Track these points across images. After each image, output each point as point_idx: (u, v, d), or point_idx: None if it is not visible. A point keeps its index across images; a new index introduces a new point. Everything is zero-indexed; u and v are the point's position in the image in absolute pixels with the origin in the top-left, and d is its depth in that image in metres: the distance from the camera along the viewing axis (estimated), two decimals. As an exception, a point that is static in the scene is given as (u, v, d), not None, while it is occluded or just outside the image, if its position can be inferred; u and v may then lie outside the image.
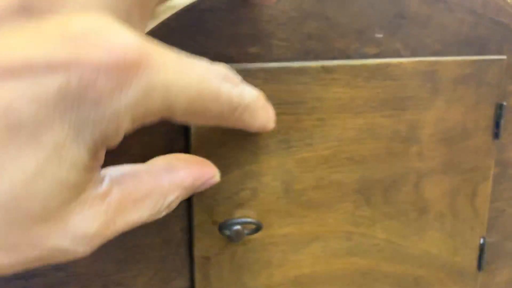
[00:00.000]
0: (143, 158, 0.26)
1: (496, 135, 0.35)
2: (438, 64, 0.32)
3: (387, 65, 0.30)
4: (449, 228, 0.35)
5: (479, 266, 0.37)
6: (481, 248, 0.37)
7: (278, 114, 0.28)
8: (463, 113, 0.33)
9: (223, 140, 0.27)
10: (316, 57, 0.29)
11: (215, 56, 0.27)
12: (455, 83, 0.32)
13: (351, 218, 0.32)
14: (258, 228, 0.29)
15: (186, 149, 0.27)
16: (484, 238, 0.37)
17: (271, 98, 0.28)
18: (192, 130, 0.27)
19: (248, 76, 0.27)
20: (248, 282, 0.30)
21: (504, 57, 0.34)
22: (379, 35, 0.30)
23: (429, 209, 0.34)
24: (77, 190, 0.18)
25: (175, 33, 0.25)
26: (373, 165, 0.31)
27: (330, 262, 0.32)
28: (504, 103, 0.34)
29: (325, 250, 0.32)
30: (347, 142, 0.30)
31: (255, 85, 0.27)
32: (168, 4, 0.26)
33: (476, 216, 0.36)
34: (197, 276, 0.29)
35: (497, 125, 0.35)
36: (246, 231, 0.29)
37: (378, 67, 0.30)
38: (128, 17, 0.19)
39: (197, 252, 0.28)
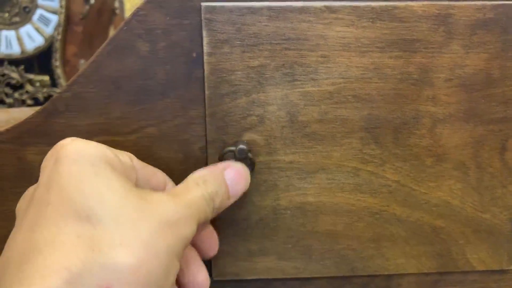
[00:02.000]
0: (167, 82, 0.33)
1: (528, 85, 0.33)
2: (452, 8, 0.32)
3: (394, 7, 0.32)
4: (474, 181, 0.34)
5: (518, 231, 0.35)
6: (517, 209, 0.35)
7: (282, 49, 0.32)
8: (486, 60, 0.33)
9: (233, 69, 0.32)
10: (322, -1, 0.32)
11: (228, -3, 0.32)
12: (473, 28, 0.32)
13: (359, 154, 0.34)
14: (252, 163, 0.33)
15: (202, 76, 0.32)
16: (519, 198, 0.35)
17: (276, 34, 0.32)
18: (206, 59, 0.32)
19: (253, 13, 0.31)
20: (256, 201, 0.34)
21: (537, 3, 0.32)
22: (388, -20, 0.32)
23: (448, 157, 0.34)
24: None
25: (192, -24, 0.31)
26: (380, 105, 0.33)
27: (337, 195, 0.34)
28: (537, 51, 0.33)
29: (331, 182, 0.34)
30: (352, 79, 0.33)
31: (260, 21, 0.32)
32: None
33: (508, 173, 0.34)
34: (211, 189, 0.34)
35: (529, 74, 0.33)
36: (250, 153, 0.33)
37: (383, 9, 0.32)
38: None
39: (210, 167, 0.33)
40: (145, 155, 0.33)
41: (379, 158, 0.34)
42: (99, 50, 0.32)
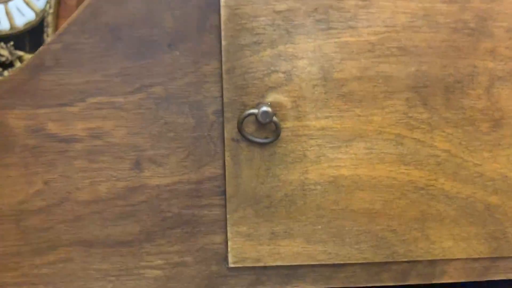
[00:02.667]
0: (175, 31, 0.27)
1: None
2: None
3: None
4: (537, 151, 0.29)
5: None
6: None
7: (315, -10, 0.27)
8: (557, 5, 0.28)
9: (255, 14, 0.27)
10: None
11: None
12: (544, -34, 0.27)
13: (404, 119, 0.28)
14: (277, 130, 0.27)
15: (219, 24, 0.27)
16: None
17: (308, -28, 0.26)
18: (223, 1, 0.27)
19: None
20: (281, 175, 0.29)
21: None
22: None
23: (507, 122, 0.29)
24: None
25: None
26: (431, 59, 0.28)
27: (376, 168, 0.29)
28: None
29: (370, 152, 0.29)
30: (398, 28, 0.27)
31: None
32: None
33: None
34: (227, 160, 0.28)
35: None
36: (275, 117, 0.28)
37: None
38: None
39: (227, 134, 0.28)
40: (149, 120, 0.28)
41: (427, 123, 0.29)
42: (94, -9, 0.27)
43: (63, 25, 0.27)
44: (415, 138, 0.29)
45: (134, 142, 0.28)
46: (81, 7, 0.27)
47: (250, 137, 0.28)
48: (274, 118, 0.27)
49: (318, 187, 0.29)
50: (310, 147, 0.28)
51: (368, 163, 0.29)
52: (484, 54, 0.28)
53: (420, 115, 0.28)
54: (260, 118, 0.27)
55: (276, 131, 0.28)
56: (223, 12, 0.27)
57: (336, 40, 0.27)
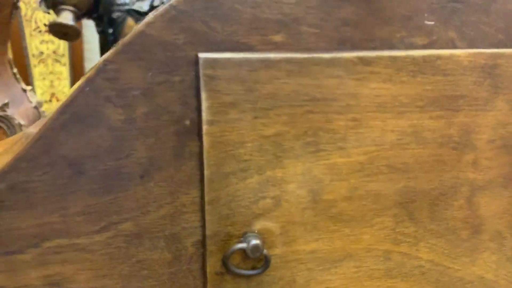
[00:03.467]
0: (149, 161, 0.23)
1: None
2: (500, 57, 0.27)
3: (438, 57, 0.26)
4: (509, 251, 0.30)
5: (545, 296, 0.32)
6: (548, 276, 0.32)
7: (305, 113, 0.24)
8: (530, 116, 0.28)
9: (242, 140, 0.24)
10: (353, 47, 0.25)
11: (235, 45, 0.23)
12: (521, 80, 0.27)
13: (391, 234, 0.27)
14: (267, 262, 0.25)
15: (200, 151, 0.24)
16: (552, 264, 0.31)
17: (297, 93, 0.24)
18: (205, 129, 0.23)
19: (270, 67, 0.23)
20: (268, 303, 0.26)
21: None
22: (430, 22, 0.26)
23: (485, 228, 0.29)
24: None
25: (183, 17, 0.22)
26: (417, 174, 0.27)
27: (365, 285, 0.28)
28: None
29: (359, 270, 0.27)
30: (387, 146, 0.26)
31: (278, 78, 0.24)
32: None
33: (542, 238, 0.31)
34: (210, 294, 0.25)
35: None
36: (265, 249, 0.25)
37: (426, 59, 0.25)
38: None
39: (210, 268, 0.25)
40: (119, 260, 0.24)
41: (413, 237, 0.28)
42: (47, 121, 0.22)
43: (8, 161, 0.22)
44: (401, 252, 0.28)
45: (101, 285, 0.24)
46: (32, 140, 0.22)
47: (237, 270, 0.25)
48: (265, 252, 0.25)
49: (307, 311, 0.27)
50: (300, 272, 0.26)
51: (357, 281, 0.28)
52: (467, 165, 0.28)
53: (407, 229, 0.28)
54: (250, 253, 0.24)
55: (265, 261, 0.25)
56: (205, 140, 0.23)
57: (326, 161, 0.25)
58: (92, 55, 1.33)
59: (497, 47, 0.27)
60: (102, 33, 0.80)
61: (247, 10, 0.23)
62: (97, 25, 0.80)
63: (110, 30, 0.79)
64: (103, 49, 0.83)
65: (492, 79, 0.27)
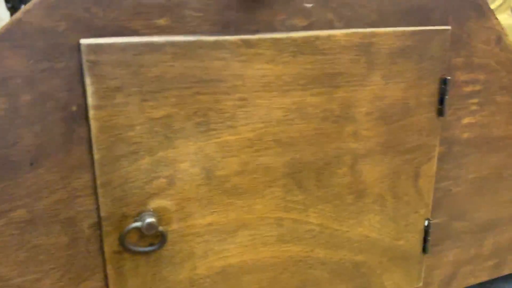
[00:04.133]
0: (37, 148, 0.24)
1: (440, 112, 0.33)
2: (374, 36, 0.29)
3: (316, 38, 0.27)
4: (391, 211, 0.33)
5: (424, 249, 0.36)
6: (426, 230, 0.35)
7: (193, 94, 0.25)
8: (404, 90, 0.31)
9: (131, 123, 0.25)
10: (237, 30, 0.26)
11: (118, 29, 0.24)
12: (393, 57, 0.30)
13: (282, 203, 0.30)
14: (163, 237, 0.26)
15: (89, 136, 0.24)
16: (429, 220, 0.35)
17: (184, 76, 0.25)
18: (92, 114, 0.24)
19: (154, 51, 0.24)
20: (169, 276, 0.28)
21: (448, 27, 0.31)
22: (309, 5, 0.27)
23: (368, 192, 0.32)
24: None
25: (63, 4, 0.22)
26: (303, 147, 0.29)
27: (260, 251, 0.30)
28: (449, 78, 0.32)
29: (254, 238, 0.29)
30: (273, 123, 0.28)
31: (163, 61, 0.24)
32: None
33: (420, 198, 0.34)
34: (110, 273, 0.26)
35: (441, 101, 0.32)
36: (161, 226, 0.26)
37: (306, 40, 0.27)
38: None
39: (107, 248, 0.26)
40: (13, 247, 0.24)
41: (302, 204, 0.30)
42: None
43: None
44: (292, 218, 0.30)
45: (-4, 273, 0.24)
46: None
47: (134, 248, 0.26)
48: (160, 228, 0.26)
49: (208, 280, 0.29)
50: (197, 244, 0.28)
51: (252, 248, 0.30)
52: (348, 137, 0.30)
53: (296, 197, 0.30)
54: (145, 231, 0.25)
55: (162, 237, 0.27)
56: (93, 125, 0.24)
57: (217, 140, 0.27)
58: None
59: (372, 26, 0.29)
60: (13, 9, 0.76)
61: (128, -5, 0.23)
62: (7, 1, 0.76)
63: (22, 6, 0.75)
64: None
65: (368, 57, 0.29)
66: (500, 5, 0.97)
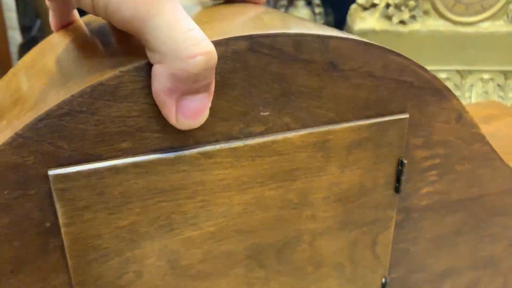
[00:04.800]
0: (16, 258, 0.27)
1: (397, 190, 0.35)
2: (330, 134, 0.31)
3: (273, 142, 0.29)
4: (349, 275, 0.36)
5: (383, 299, 0.39)
6: (383, 287, 0.39)
7: (156, 203, 0.28)
8: (360, 175, 0.33)
9: (98, 234, 0.27)
10: (197, 142, 0.28)
11: (83, 157, 0.26)
12: (350, 148, 0.32)
13: (245, 280, 0.33)
14: None
15: (62, 246, 0.27)
16: (385, 277, 0.38)
17: (147, 190, 0.27)
18: (63, 230, 0.27)
19: (118, 173, 0.26)
20: None
21: (406, 115, 0.33)
22: (265, 113, 0.29)
23: (327, 262, 0.35)
24: None
25: (30, 142, 0.24)
26: (263, 233, 0.32)
27: (225, 320, 0.33)
28: (405, 161, 0.34)
29: (219, 311, 0.33)
30: (234, 216, 0.30)
31: (127, 180, 0.27)
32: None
33: (377, 261, 0.37)
34: None
35: (398, 180, 0.34)
36: (132, 309, 0.30)
37: (262, 145, 0.29)
38: None
39: (85, 329, 0.30)
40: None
41: (264, 279, 0.33)
42: None
43: None
44: (255, 291, 0.34)
45: None
46: None
47: (109, 330, 0.30)
48: (131, 315, 0.30)
49: None
50: (166, 321, 0.32)
51: (218, 319, 0.33)
52: (306, 219, 0.33)
53: (258, 274, 0.33)
54: (117, 320, 0.29)
55: (133, 319, 0.30)
56: (65, 238, 0.27)
57: (180, 237, 0.30)
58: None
59: (329, 123, 0.31)
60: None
61: (91, 127, 0.25)
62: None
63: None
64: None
65: (324, 152, 0.31)
66: (496, 13, 0.95)
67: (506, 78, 0.99)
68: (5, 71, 0.40)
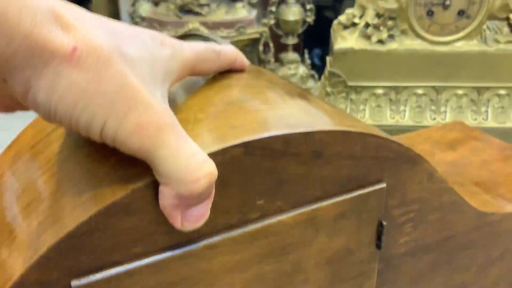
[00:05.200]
0: None
1: (379, 246, 0.39)
2: (318, 210, 0.34)
3: (268, 226, 0.33)
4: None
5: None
6: (369, 325, 0.43)
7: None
8: (346, 239, 0.37)
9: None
10: (201, 236, 0.31)
11: (101, 265, 0.28)
12: (336, 219, 0.35)
13: None
14: None
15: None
16: (371, 317, 0.42)
17: (158, 284, 0.30)
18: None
19: (133, 275, 0.29)
20: None
21: (383, 185, 0.36)
22: (260, 201, 0.32)
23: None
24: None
25: (55, 263, 0.27)
26: (263, 298, 0.35)
27: None
28: (384, 222, 0.38)
29: None
30: (236, 292, 0.34)
31: (141, 279, 0.30)
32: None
33: (363, 305, 0.41)
34: None
35: (379, 238, 0.38)
36: None
37: (259, 230, 0.32)
38: None
39: None
40: None
41: (264, 337, 0.37)
42: None
43: None
44: None
45: None
46: None
47: None
48: None
49: None
50: None
51: None
52: (300, 282, 0.36)
53: (259, 334, 0.37)
54: None
55: None
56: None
57: (190, 316, 0.33)
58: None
59: (316, 202, 0.34)
60: None
61: (107, 241, 0.28)
62: None
63: None
64: None
65: (313, 226, 0.34)
66: (469, 33, 0.99)
67: (479, 93, 1.04)
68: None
